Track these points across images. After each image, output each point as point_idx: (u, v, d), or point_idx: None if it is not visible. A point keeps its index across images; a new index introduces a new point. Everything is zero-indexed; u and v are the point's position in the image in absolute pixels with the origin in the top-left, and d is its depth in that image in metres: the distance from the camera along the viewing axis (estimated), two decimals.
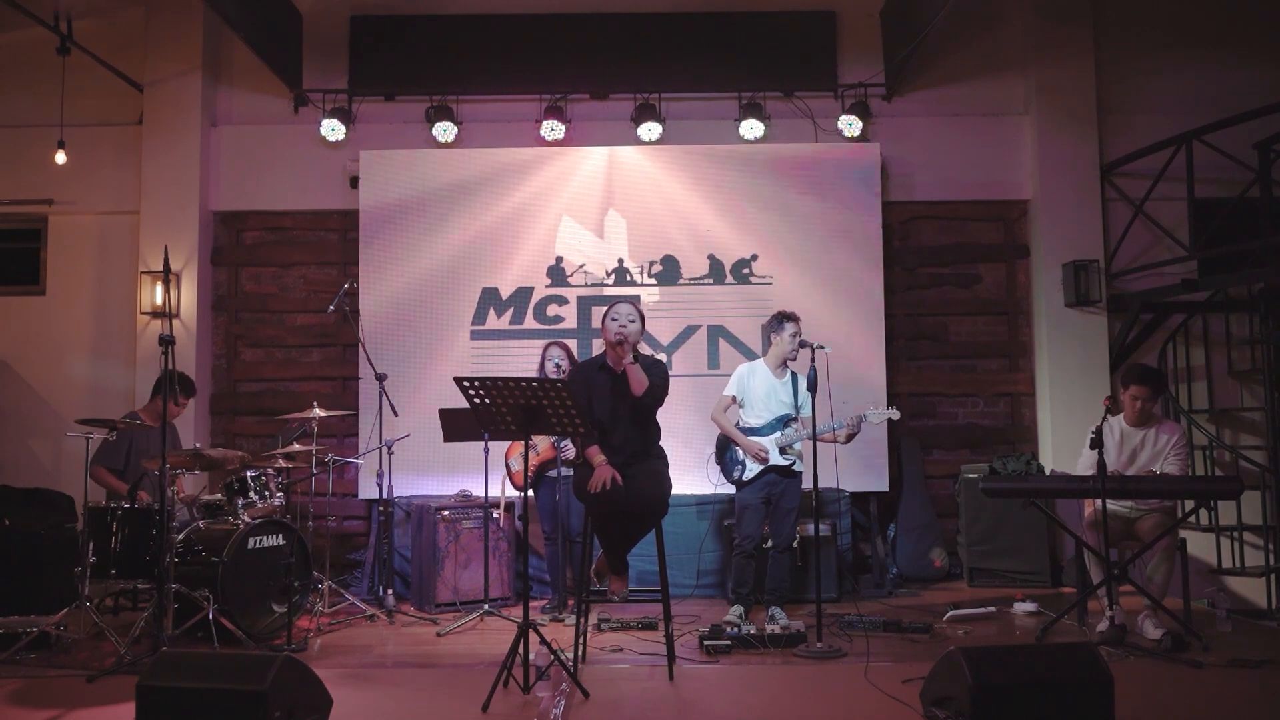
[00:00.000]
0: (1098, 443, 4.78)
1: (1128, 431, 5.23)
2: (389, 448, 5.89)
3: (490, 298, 6.96)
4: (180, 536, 4.94)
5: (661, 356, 6.65)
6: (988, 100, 7.33)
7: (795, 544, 5.54)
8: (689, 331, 6.92)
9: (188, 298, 7.00)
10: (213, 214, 7.26)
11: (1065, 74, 7.12)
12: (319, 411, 5.63)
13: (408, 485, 6.56)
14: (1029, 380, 7.16)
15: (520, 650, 3.97)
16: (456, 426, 5.63)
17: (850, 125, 7.01)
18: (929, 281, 7.25)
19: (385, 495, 5.88)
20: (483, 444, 5.55)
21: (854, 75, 7.21)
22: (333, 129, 7.00)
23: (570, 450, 5.36)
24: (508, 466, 5.83)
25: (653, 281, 6.98)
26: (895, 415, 5.38)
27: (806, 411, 5.12)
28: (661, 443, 4.60)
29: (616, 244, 7.01)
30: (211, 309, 7.22)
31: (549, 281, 6.98)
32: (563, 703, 3.86)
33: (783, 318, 5.44)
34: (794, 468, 5.37)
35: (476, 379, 4.02)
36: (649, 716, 3.81)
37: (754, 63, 7.22)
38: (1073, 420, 6.68)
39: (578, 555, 4.96)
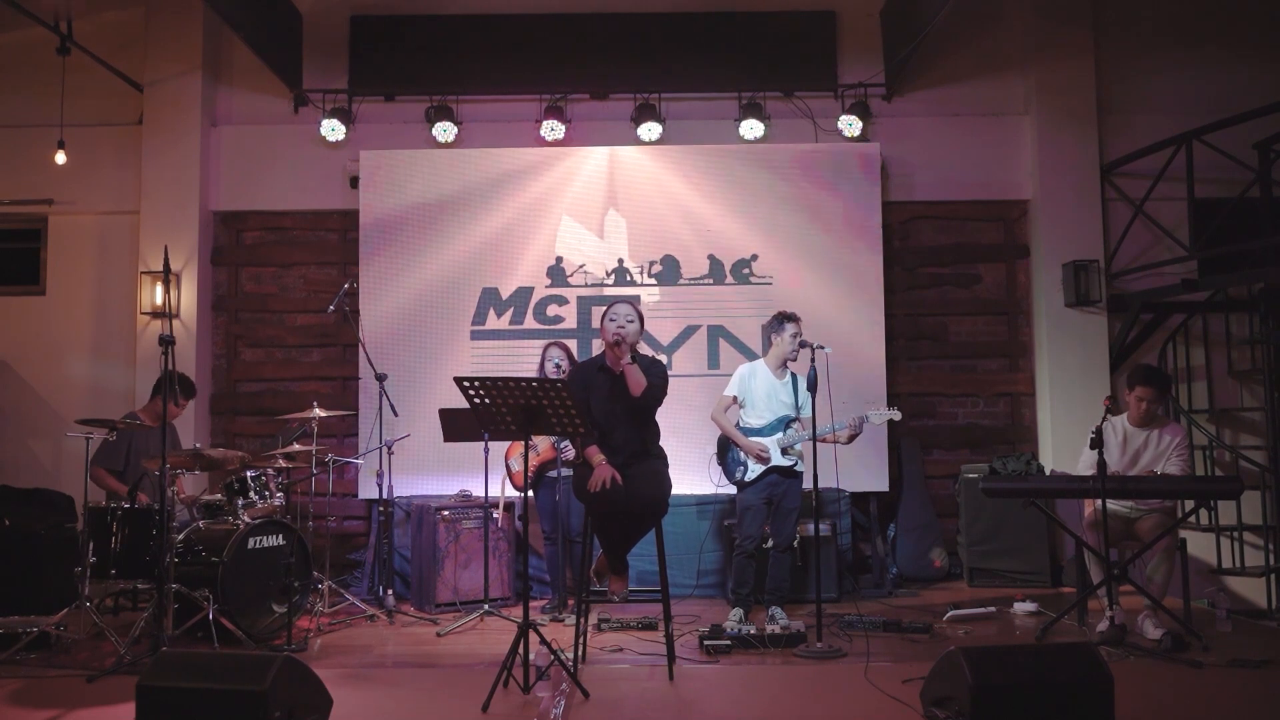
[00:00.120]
0: (1098, 443, 4.78)
1: (1131, 432, 5.23)
2: (389, 448, 5.89)
3: (490, 298, 6.96)
4: (180, 536, 4.94)
5: (661, 357, 6.65)
6: (988, 100, 7.33)
7: (795, 544, 5.54)
8: (689, 331, 6.92)
9: (188, 298, 7.00)
10: (213, 214, 7.26)
11: (1065, 74, 7.12)
12: (319, 411, 5.63)
13: (408, 485, 6.56)
14: (1029, 380, 7.16)
15: (520, 650, 3.97)
16: (456, 426, 5.64)
17: (850, 125, 7.01)
18: (929, 281, 7.25)
19: (385, 495, 5.88)
20: (483, 444, 5.55)
21: (854, 75, 7.21)
22: (333, 129, 7.00)
23: (570, 451, 5.36)
24: (508, 467, 5.83)
25: (653, 281, 6.98)
26: (897, 416, 5.38)
27: (807, 412, 5.12)
28: (662, 443, 4.60)
29: (616, 244, 7.01)
30: (211, 309, 7.22)
31: (549, 281, 6.98)
32: (563, 703, 3.86)
33: (783, 318, 5.44)
34: (796, 468, 5.37)
35: (476, 379, 4.02)
36: (649, 716, 3.81)
37: (754, 63, 7.22)
38: (1073, 420, 6.69)
39: (578, 555, 4.96)
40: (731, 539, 5.86)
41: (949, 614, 5.47)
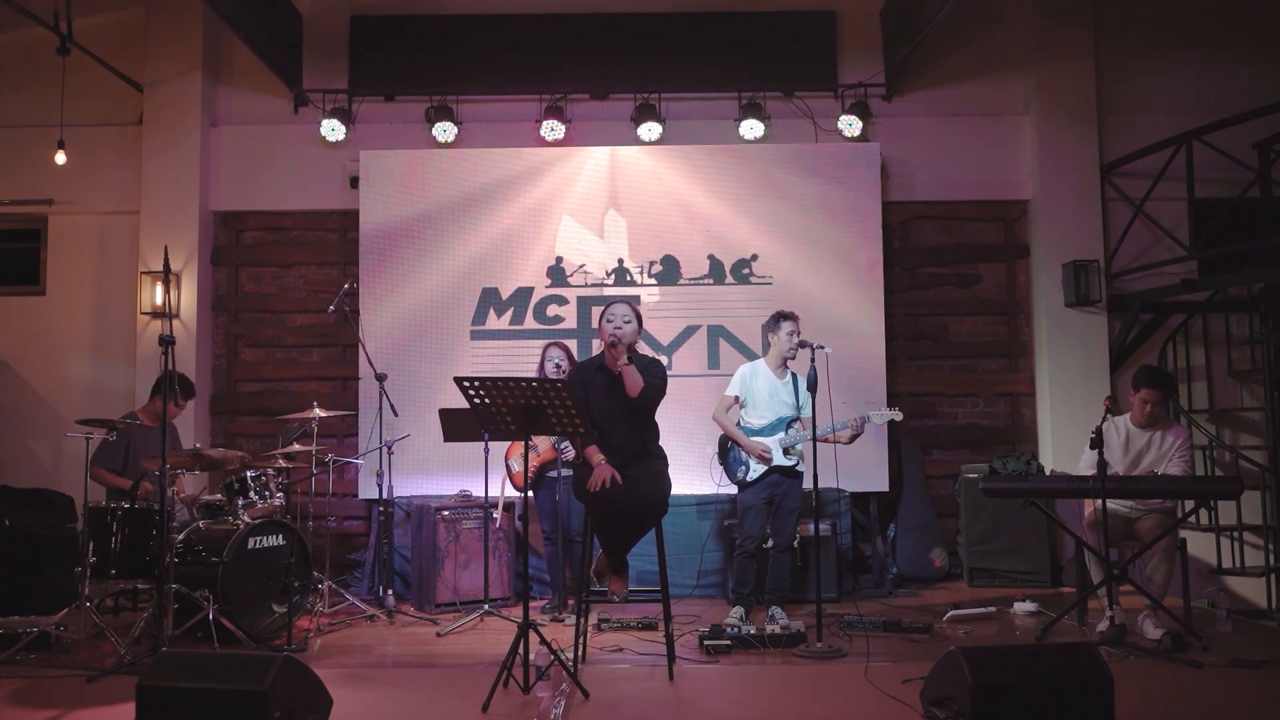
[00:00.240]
0: (1098, 443, 4.78)
1: (1134, 433, 5.23)
2: (389, 448, 5.89)
3: (490, 298, 6.96)
4: (180, 537, 4.94)
5: (661, 357, 6.65)
6: (988, 100, 7.33)
7: (795, 544, 5.54)
8: (689, 331, 6.92)
9: (188, 298, 7.00)
10: (213, 214, 7.26)
11: (1065, 74, 7.12)
12: (319, 411, 5.63)
13: (408, 485, 6.56)
14: (1029, 380, 7.16)
15: (520, 650, 3.97)
16: (456, 426, 5.63)
17: (850, 125, 7.01)
18: (929, 281, 7.25)
19: (385, 495, 5.88)
20: (483, 444, 5.55)
21: (854, 75, 7.21)
22: (333, 129, 7.00)
23: (570, 451, 5.36)
24: (508, 467, 5.82)
25: (653, 281, 6.98)
26: (898, 416, 5.37)
27: (808, 412, 5.12)
28: (662, 443, 4.60)
29: (617, 244, 7.01)
30: (211, 309, 7.22)
31: (549, 281, 6.98)
32: (563, 703, 3.86)
33: (779, 317, 5.44)
34: (797, 468, 5.37)
35: (476, 379, 4.02)
36: (649, 716, 3.81)
37: (754, 63, 7.22)
38: (1073, 420, 6.69)
39: (578, 555, 4.96)
40: (731, 539, 5.86)
41: (949, 614, 5.47)
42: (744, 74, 7.19)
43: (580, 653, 4.43)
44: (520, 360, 6.72)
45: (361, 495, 6.83)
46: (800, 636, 4.76)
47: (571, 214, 7.02)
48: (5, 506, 5.97)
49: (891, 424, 6.01)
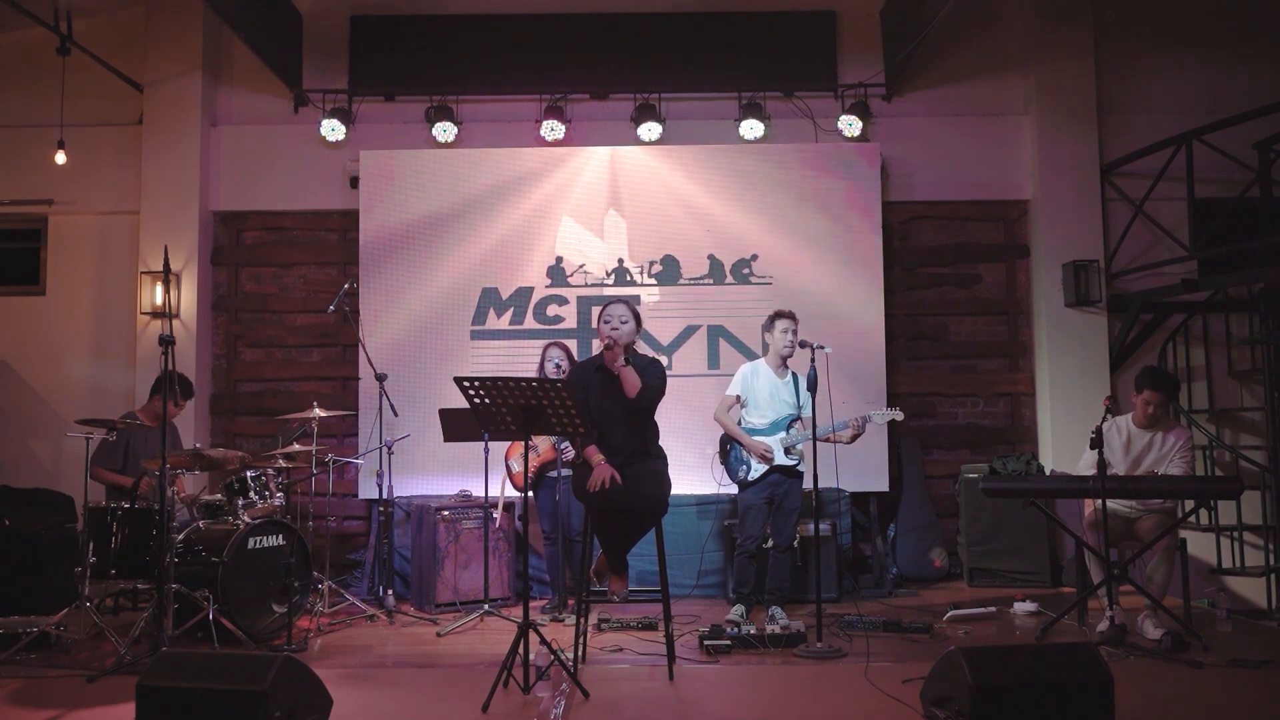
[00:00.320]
0: (1098, 443, 4.78)
1: (1135, 433, 5.23)
2: (389, 448, 5.89)
3: (490, 298, 6.96)
4: (180, 536, 4.94)
5: (661, 357, 6.65)
6: (988, 100, 7.33)
7: (795, 544, 5.54)
8: (689, 331, 6.92)
9: (188, 298, 7.00)
10: (213, 214, 7.26)
11: (1065, 74, 7.12)
12: (319, 411, 5.63)
13: (408, 485, 6.56)
14: (1029, 380, 7.16)
15: (520, 650, 3.97)
16: (456, 426, 5.63)
17: (850, 125, 7.01)
18: (929, 281, 7.25)
19: (385, 495, 5.88)
20: (483, 444, 5.55)
21: (854, 75, 7.21)
22: (333, 129, 7.00)
23: (571, 451, 5.36)
24: (508, 467, 5.82)
25: (653, 281, 6.98)
26: (899, 416, 5.37)
27: (808, 412, 5.12)
28: (662, 443, 4.60)
29: (616, 244, 7.01)
30: (211, 309, 7.22)
31: (549, 281, 6.98)
32: (563, 703, 3.86)
33: (775, 315, 5.46)
34: (798, 468, 5.37)
35: (476, 379, 4.02)
36: (649, 716, 3.81)
37: (754, 63, 7.22)
38: (1073, 420, 6.69)
39: (578, 555, 4.96)
40: (731, 539, 5.87)
41: (949, 614, 5.47)
42: (744, 74, 7.19)
43: (580, 653, 4.43)
44: (520, 360, 6.72)
45: (361, 495, 6.83)
46: (800, 636, 4.76)
47: (571, 214, 7.01)
48: (5, 506, 5.97)
49: (891, 424, 6.01)
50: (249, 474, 5.26)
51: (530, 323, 6.93)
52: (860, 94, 7.10)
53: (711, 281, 6.97)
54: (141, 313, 6.98)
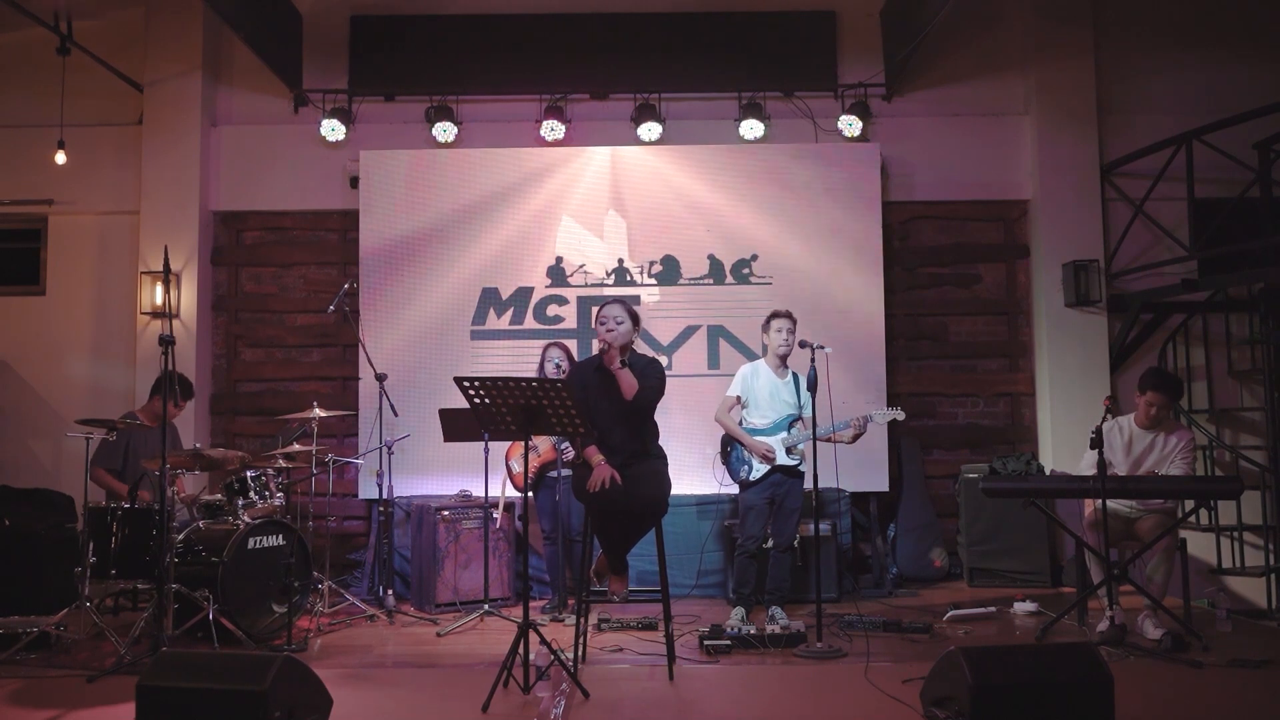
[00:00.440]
0: (1098, 443, 4.78)
1: (1137, 434, 5.23)
2: (389, 448, 5.89)
3: (490, 298, 6.96)
4: (180, 536, 4.93)
5: (661, 357, 6.66)
6: (988, 100, 7.33)
7: (796, 544, 5.54)
8: (689, 331, 6.92)
9: (188, 298, 7.00)
10: (213, 214, 7.26)
11: (1065, 74, 7.12)
12: (319, 411, 5.63)
13: (408, 485, 6.56)
14: (1029, 380, 7.16)
15: (520, 650, 3.97)
16: (456, 426, 5.63)
17: (850, 125, 7.01)
18: (929, 281, 7.25)
19: (385, 495, 5.88)
20: (483, 444, 5.55)
21: (854, 75, 7.21)
22: (333, 129, 7.00)
23: (571, 451, 5.36)
24: (509, 468, 5.82)
25: (653, 281, 6.98)
26: (900, 416, 5.36)
27: (809, 412, 5.12)
28: (661, 443, 4.59)
29: (616, 244, 7.01)
30: (211, 309, 7.22)
31: (549, 281, 6.98)
32: (563, 703, 3.86)
33: (771, 315, 5.46)
34: (799, 468, 5.37)
35: (476, 379, 4.02)
36: (649, 716, 3.81)
37: (754, 63, 7.22)
38: (1073, 420, 6.69)
39: (578, 555, 4.96)
40: (731, 539, 5.87)
41: (949, 614, 5.47)
42: (744, 74, 7.19)
43: (580, 653, 4.43)
44: (520, 360, 6.72)
45: (361, 495, 6.83)
46: (800, 636, 4.76)
47: (571, 214, 7.01)
48: (5, 506, 5.96)
49: (892, 424, 6.02)
50: (249, 474, 5.26)
51: (530, 323, 6.93)
52: (860, 94, 7.10)
53: (711, 281, 6.97)
54: (141, 313, 6.98)
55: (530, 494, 5.44)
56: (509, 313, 6.95)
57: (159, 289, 6.80)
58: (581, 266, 6.98)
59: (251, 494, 5.23)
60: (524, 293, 6.96)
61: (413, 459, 6.55)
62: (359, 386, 6.85)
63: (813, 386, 4.91)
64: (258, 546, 5.03)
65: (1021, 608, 5.57)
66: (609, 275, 6.98)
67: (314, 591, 5.44)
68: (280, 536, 5.15)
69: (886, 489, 6.82)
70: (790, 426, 5.36)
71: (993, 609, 5.59)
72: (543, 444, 5.56)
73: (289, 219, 7.29)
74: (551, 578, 5.75)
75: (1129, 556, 5.16)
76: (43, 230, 7.30)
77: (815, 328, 6.38)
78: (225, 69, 7.35)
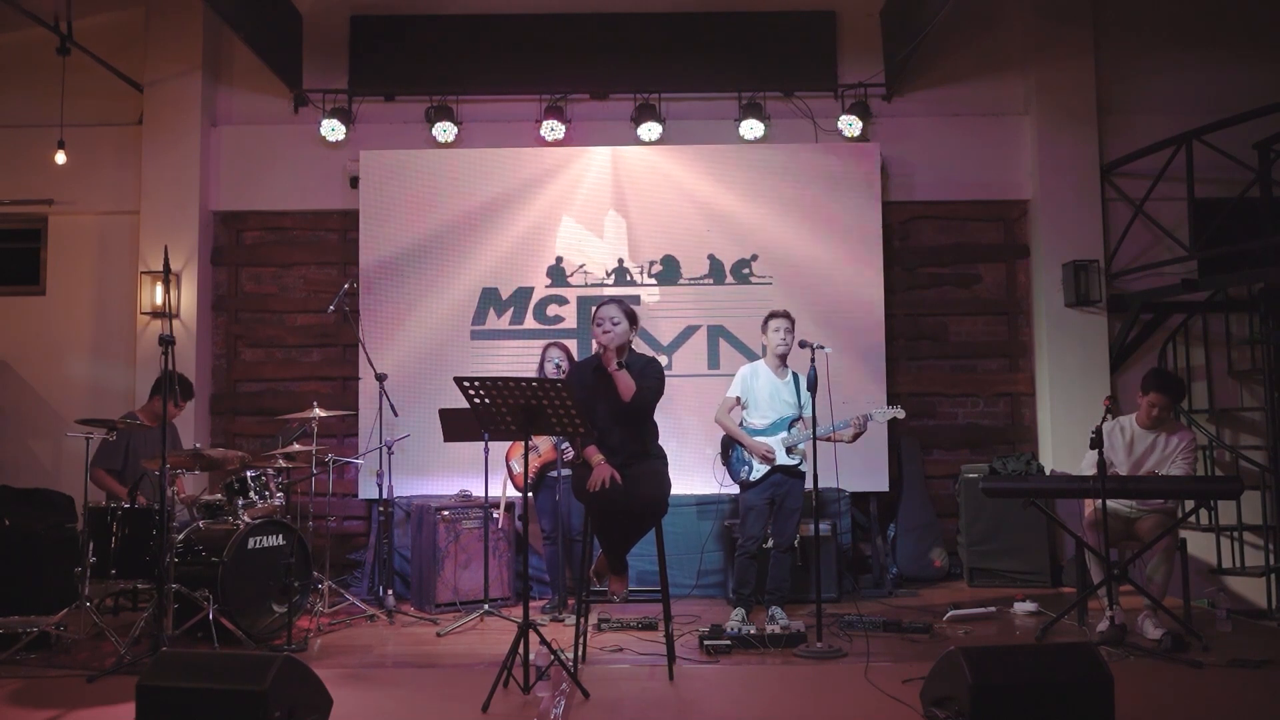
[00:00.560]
0: (1098, 443, 4.78)
1: (1139, 434, 5.23)
2: (389, 448, 5.89)
3: (490, 298, 6.96)
4: (180, 536, 4.93)
5: (661, 357, 6.65)
6: (988, 100, 7.32)
7: (796, 544, 5.54)
8: (689, 331, 6.92)
9: (188, 298, 7.00)
10: (213, 214, 7.26)
11: (1065, 74, 7.12)
12: (319, 411, 5.63)
13: (408, 485, 6.56)
14: (1029, 380, 7.16)
15: (520, 650, 3.97)
16: (456, 426, 5.63)
17: (850, 125, 7.01)
18: (929, 281, 7.25)
19: (385, 495, 5.88)
20: (483, 444, 5.55)
21: (854, 75, 7.21)
22: (333, 129, 7.00)
23: (572, 451, 5.36)
24: (509, 468, 5.82)
25: (653, 281, 6.98)
26: (900, 414, 5.35)
27: (809, 412, 5.12)
28: (661, 443, 4.59)
29: (616, 244, 7.01)
30: (211, 309, 7.22)
31: (549, 281, 6.98)
32: (563, 703, 3.86)
33: (769, 315, 5.47)
34: (800, 467, 5.37)
35: (476, 379, 4.02)
36: (649, 716, 3.81)
37: (754, 63, 7.22)
38: (1073, 420, 6.68)
39: (578, 555, 4.96)
40: (731, 539, 5.87)
41: (949, 614, 5.47)
42: (744, 74, 7.19)
43: (580, 653, 4.43)
44: (520, 360, 6.72)
45: (361, 495, 6.83)
46: (800, 636, 4.76)
47: (571, 214, 7.01)
48: (5, 506, 5.97)
49: (892, 424, 6.03)
50: (249, 474, 5.26)
51: (530, 323, 6.93)
52: (860, 94, 7.10)
53: (711, 281, 6.97)
54: (141, 313, 6.98)
55: (530, 494, 5.45)
56: (509, 313, 6.95)
57: (159, 289, 6.80)
58: (582, 266, 6.98)
59: (251, 494, 5.23)
60: (524, 293, 6.96)
61: (413, 459, 6.55)
62: (359, 386, 6.85)
63: (813, 386, 4.90)
64: (258, 546, 5.03)
65: (1021, 608, 5.57)
66: (609, 275, 6.98)
67: (314, 591, 5.44)
68: (280, 536, 5.15)
69: (886, 489, 6.82)
70: (790, 426, 5.36)
71: (993, 609, 5.59)
72: (543, 444, 5.56)
73: (289, 219, 7.29)
74: (551, 578, 5.75)
75: (1129, 556, 5.16)
76: (43, 230, 7.30)
77: (815, 327, 6.39)
78: (225, 69, 7.35)
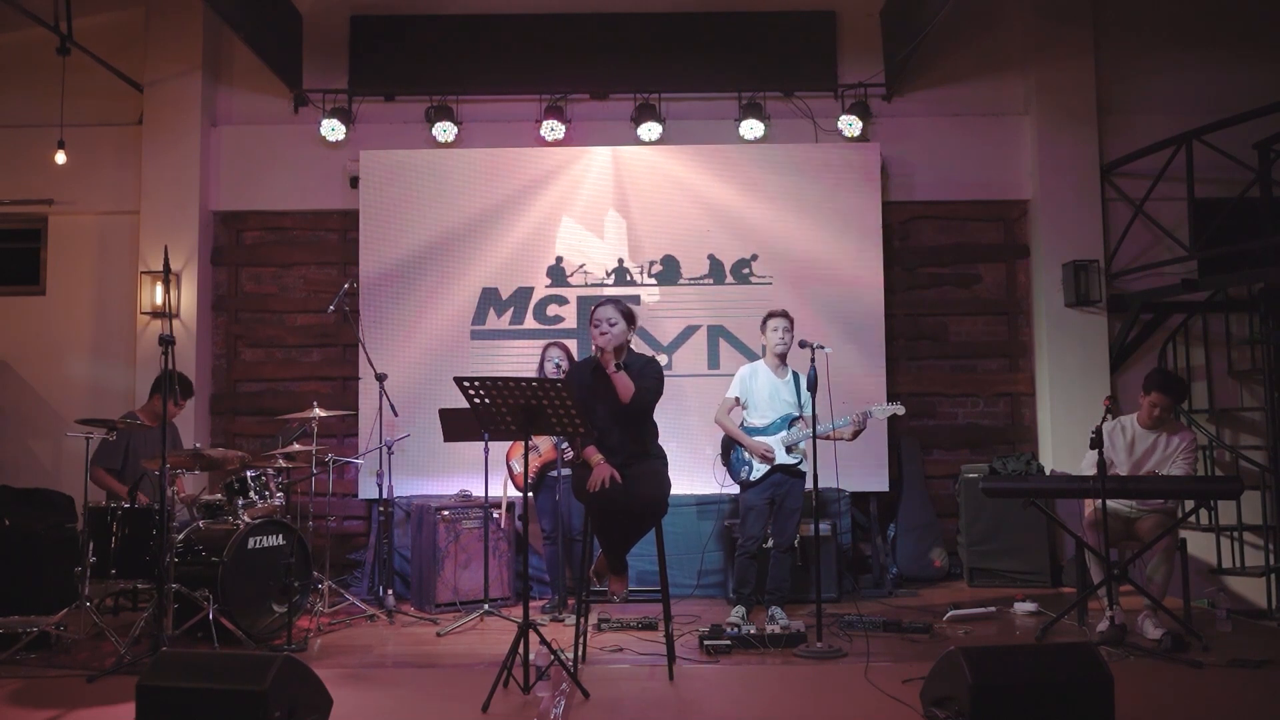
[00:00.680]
0: (1098, 443, 4.78)
1: (1140, 434, 5.23)
2: (389, 448, 5.89)
3: (490, 298, 6.96)
4: (180, 536, 4.93)
5: (661, 357, 6.65)
6: (988, 100, 7.32)
7: (796, 544, 5.54)
8: (689, 331, 6.92)
9: (188, 298, 7.00)
10: (213, 214, 7.26)
11: (1065, 74, 7.12)
12: (319, 411, 5.63)
13: (408, 485, 6.56)
14: (1029, 380, 7.16)
15: (520, 650, 3.97)
16: (456, 426, 5.63)
17: (850, 125, 7.01)
18: (929, 281, 7.25)
19: (385, 495, 5.88)
20: (483, 444, 5.55)
21: (854, 75, 7.21)
22: (333, 129, 7.00)
23: (572, 452, 5.35)
24: (509, 468, 5.82)
25: (653, 281, 6.98)
26: (900, 410, 5.35)
27: (809, 412, 5.12)
28: (661, 442, 4.59)
29: (616, 244, 7.01)
30: (211, 309, 7.22)
31: (549, 281, 6.98)
32: (563, 703, 3.86)
33: (767, 315, 5.47)
34: (800, 467, 5.37)
35: (476, 379, 4.02)
36: (649, 716, 3.81)
37: (754, 63, 7.22)
38: (1073, 420, 6.68)
39: (578, 555, 4.95)
40: (732, 539, 5.87)
41: (949, 614, 5.47)
42: (744, 74, 7.19)
43: (580, 653, 4.43)
44: (520, 360, 6.72)
45: (361, 495, 6.83)
46: (800, 636, 4.76)
47: (571, 214, 7.01)
48: (5, 506, 5.97)
49: (892, 424, 6.03)
50: (249, 474, 5.26)
51: (530, 323, 6.93)
52: (860, 94, 7.10)
53: (711, 281, 6.97)
54: (141, 313, 6.98)
55: (530, 494, 5.45)
56: (509, 313, 6.95)
57: (159, 289, 6.80)
58: (582, 266, 6.98)
59: (251, 494, 5.23)
60: (524, 293, 6.96)
61: (413, 459, 6.55)
62: (359, 386, 6.85)
63: (813, 386, 4.90)
64: (258, 546, 5.03)
65: (1021, 608, 5.57)
66: (609, 275, 6.98)
67: (314, 591, 5.44)
68: (280, 536, 5.15)
69: (886, 489, 6.82)
70: (790, 426, 5.36)
71: (993, 609, 5.59)
72: (543, 444, 5.56)
73: (289, 219, 7.29)
74: (551, 578, 5.75)
75: (1129, 556, 5.16)
76: (43, 230, 7.30)
77: (815, 327, 6.39)
78: (225, 69, 7.35)
